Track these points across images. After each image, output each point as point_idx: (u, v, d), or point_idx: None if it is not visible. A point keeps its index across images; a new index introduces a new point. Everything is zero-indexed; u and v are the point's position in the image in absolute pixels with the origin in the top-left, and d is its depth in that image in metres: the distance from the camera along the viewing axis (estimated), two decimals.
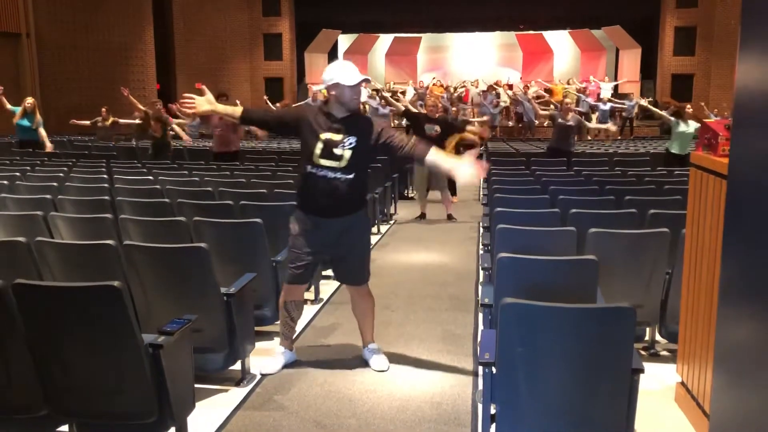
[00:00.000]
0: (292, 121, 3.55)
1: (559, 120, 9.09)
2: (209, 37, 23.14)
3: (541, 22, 25.25)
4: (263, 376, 3.54)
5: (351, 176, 3.39)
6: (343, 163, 3.36)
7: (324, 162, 3.37)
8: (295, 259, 3.57)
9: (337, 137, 3.36)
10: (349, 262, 3.60)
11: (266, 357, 3.66)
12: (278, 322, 4.12)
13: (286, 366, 3.65)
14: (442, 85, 22.50)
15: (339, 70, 3.35)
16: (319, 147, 3.37)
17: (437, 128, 8.04)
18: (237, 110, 3.55)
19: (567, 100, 9.85)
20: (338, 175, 3.38)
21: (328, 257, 3.64)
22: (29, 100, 10.09)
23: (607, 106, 19.03)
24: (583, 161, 9.25)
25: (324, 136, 3.37)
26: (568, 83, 22.19)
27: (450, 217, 8.37)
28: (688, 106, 9.73)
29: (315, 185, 3.42)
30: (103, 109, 14.27)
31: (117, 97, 20.25)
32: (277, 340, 4.10)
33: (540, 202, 5.24)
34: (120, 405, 2.61)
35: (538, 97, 18.87)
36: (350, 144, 3.37)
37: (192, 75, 23.09)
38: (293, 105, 3.59)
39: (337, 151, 3.36)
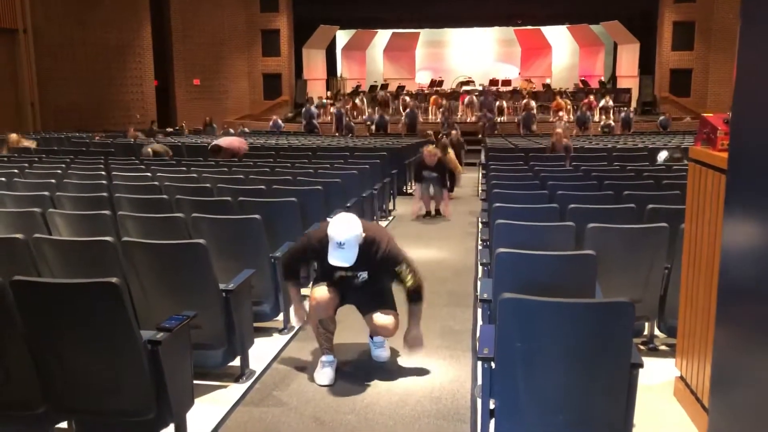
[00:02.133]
0: (311, 255, 3.60)
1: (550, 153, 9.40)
2: (207, 34, 23.11)
3: (540, 18, 25.24)
4: (321, 386, 3.44)
5: (370, 286, 3.53)
6: (360, 281, 3.53)
7: (344, 282, 3.53)
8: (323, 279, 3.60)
9: (349, 274, 3.49)
10: (377, 305, 3.60)
11: (316, 370, 3.54)
12: (277, 318, 4.14)
13: (336, 371, 3.57)
14: (439, 97, 22.50)
15: (330, 239, 3.35)
16: (336, 276, 3.50)
17: (435, 174, 8.27)
18: (294, 292, 3.67)
19: (558, 131, 9.89)
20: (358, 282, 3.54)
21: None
22: None
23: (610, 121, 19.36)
24: (581, 156, 9.26)
25: (337, 273, 3.49)
26: (563, 94, 22.26)
27: (438, 212, 8.46)
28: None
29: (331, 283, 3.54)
30: (97, 136, 14.34)
31: (114, 94, 20.33)
32: (276, 335, 4.12)
33: (539, 197, 5.24)
34: (119, 401, 2.60)
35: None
36: (362, 277, 3.50)
37: (190, 71, 23.09)
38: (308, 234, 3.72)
39: (352, 281, 3.51)
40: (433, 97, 22.44)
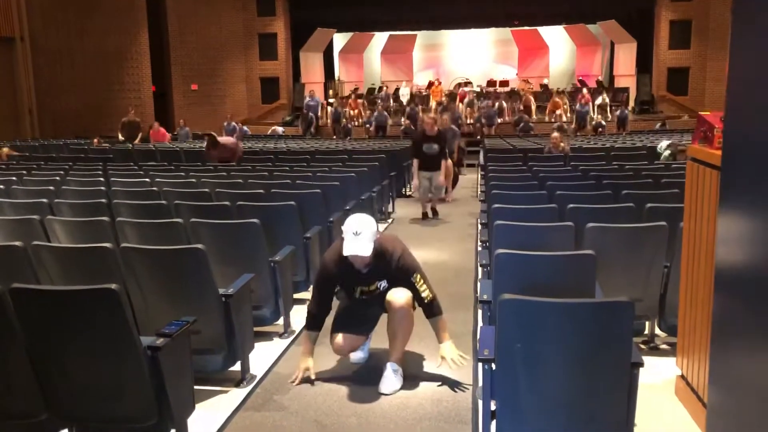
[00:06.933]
0: (330, 284, 3.57)
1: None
2: (204, 38, 23.11)
3: (537, 18, 25.25)
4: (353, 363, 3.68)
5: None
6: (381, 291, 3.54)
7: (365, 298, 3.57)
8: (346, 312, 3.68)
9: (368, 287, 3.52)
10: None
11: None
12: (277, 322, 4.14)
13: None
14: (440, 83, 22.69)
15: (345, 232, 3.35)
16: (357, 292, 3.56)
17: (435, 146, 8.13)
18: (306, 342, 3.57)
19: (554, 134, 9.77)
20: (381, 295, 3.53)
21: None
22: None
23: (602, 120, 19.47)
24: (580, 156, 9.26)
25: (358, 288, 3.53)
26: (560, 93, 22.29)
27: (434, 212, 8.50)
28: (681, 150, 9.75)
29: (355, 304, 3.62)
30: (96, 141, 14.37)
31: (113, 100, 20.34)
32: (276, 340, 4.11)
33: (538, 197, 5.24)
34: (120, 408, 2.60)
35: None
36: (383, 286, 3.51)
37: (187, 76, 23.10)
38: (322, 265, 3.69)
39: (374, 294, 3.54)
40: (433, 87, 22.61)
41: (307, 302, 3.66)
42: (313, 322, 3.55)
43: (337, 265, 3.45)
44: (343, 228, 3.36)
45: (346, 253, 3.32)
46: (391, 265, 3.41)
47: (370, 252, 3.32)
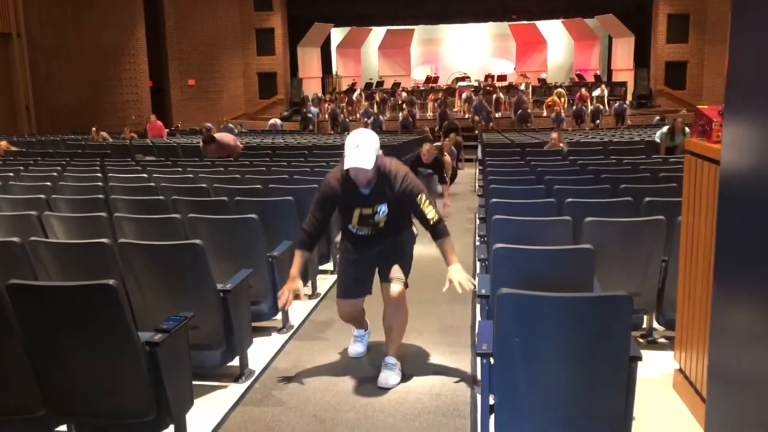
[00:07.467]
0: (330, 203, 3.47)
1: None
2: (201, 34, 23.04)
3: (534, 12, 25.25)
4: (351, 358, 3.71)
5: (390, 227, 3.45)
6: (380, 225, 3.43)
7: (362, 229, 3.46)
8: (345, 278, 3.62)
9: (368, 210, 3.40)
10: (394, 262, 3.53)
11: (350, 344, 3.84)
12: (275, 317, 4.14)
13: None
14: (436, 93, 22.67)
15: (346, 148, 3.24)
16: (355, 217, 3.43)
17: (429, 171, 8.39)
18: (297, 262, 3.44)
19: (553, 135, 9.81)
20: (377, 232, 3.45)
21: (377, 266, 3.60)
22: None
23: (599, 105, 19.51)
24: (578, 150, 9.26)
25: (357, 210, 3.41)
26: (558, 89, 22.26)
27: None
28: (679, 118, 9.72)
29: (357, 239, 3.51)
30: (93, 129, 14.36)
31: (110, 96, 20.29)
32: (274, 335, 4.11)
33: (536, 192, 5.24)
34: (118, 404, 2.60)
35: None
36: (383, 211, 3.39)
37: (185, 72, 23.03)
38: (324, 183, 3.57)
39: (372, 219, 3.42)
40: (431, 94, 22.64)
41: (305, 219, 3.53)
42: (307, 241, 3.47)
43: (340, 183, 3.36)
44: (345, 144, 3.25)
45: (347, 166, 3.18)
46: (395, 188, 3.32)
47: (372, 165, 3.18)
